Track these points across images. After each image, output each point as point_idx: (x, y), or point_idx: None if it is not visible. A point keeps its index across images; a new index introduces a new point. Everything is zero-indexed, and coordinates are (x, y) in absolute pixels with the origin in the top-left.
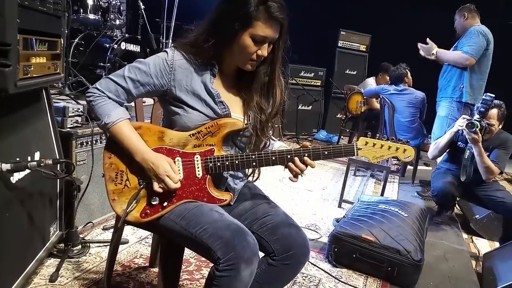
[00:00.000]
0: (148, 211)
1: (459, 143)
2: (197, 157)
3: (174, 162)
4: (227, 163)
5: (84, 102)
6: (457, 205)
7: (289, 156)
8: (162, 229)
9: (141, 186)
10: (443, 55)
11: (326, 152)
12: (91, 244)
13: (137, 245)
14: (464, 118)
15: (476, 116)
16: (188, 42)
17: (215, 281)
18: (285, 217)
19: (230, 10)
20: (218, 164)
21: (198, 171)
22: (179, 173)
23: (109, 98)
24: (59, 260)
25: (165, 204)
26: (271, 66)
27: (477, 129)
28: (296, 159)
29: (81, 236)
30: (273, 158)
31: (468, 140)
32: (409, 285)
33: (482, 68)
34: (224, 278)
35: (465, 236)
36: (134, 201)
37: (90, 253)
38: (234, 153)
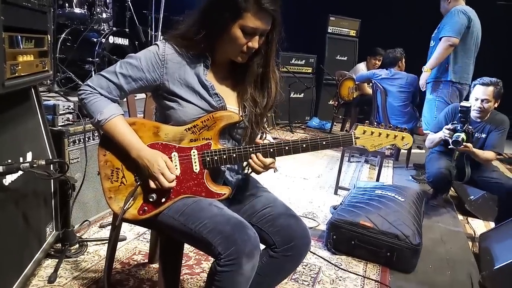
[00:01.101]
0: (145, 208)
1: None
2: (193, 152)
3: (171, 157)
4: (224, 156)
5: (74, 99)
6: (451, 187)
7: (287, 148)
8: (161, 225)
9: (138, 183)
10: (432, 61)
11: (324, 142)
12: (88, 243)
13: (135, 242)
14: (447, 130)
15: (458, 127)
16: (179, 34)
17: (217, 277)
18: (285, 208)
19: (220, 1)
20: (216, 158)
21: (196, 165)
22: (176, 169)
23: (101, 95)
24: (57, 260)
25: (163, 200)
26: (265, 58)
27: (464, 142)
28: (258, 155)
29: (78, 235)
30: (271, 150)
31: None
32: (408, 269)
33: (466, 47)
34: (225, 273)
35: (460, 217)
36: (131, 199)
37: (88, 252)
38: (231, 146)
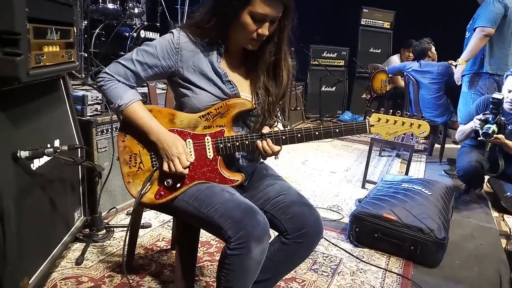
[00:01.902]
0: (162, 192)
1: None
2: (207, 138)
3: (186, 144)
4: (237, 143)
5: None
6: (487, 183)
7: (299, 135)
8: (176, 210)
9: (154, 168)
10: (466, 53)
11: (337, 130)
12: (114, 229)
13: (160, 229)
14: (478, 120)
15: (490, 118)
16: (193, 23)
17: (227, 260)
18: (298, 196)
19: None
20: (229, 145)
21: (209, 152)
22: (191, 155)
23: (119, 81)
24: (85, 244)
25: (178, 185)
26: (277, 46)
27: (495, 134)
28: (269, 141)
29: (105, 221)
30: (283, 137)
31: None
32: (433, 264)
33: (503, 36)
34: (235, 257)
35: (495, 214)
36: (148, 183)
37: (114, 237)
38: (245, 133)
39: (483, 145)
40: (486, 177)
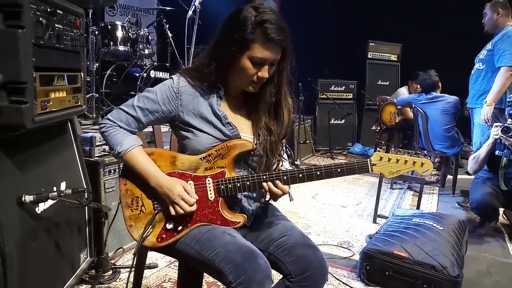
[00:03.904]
0: (164, 235)
1: (497, 151)
2: (208, 180)
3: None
4: (238, 184)
5: None
6: (503, 215)
7: (300, 175)
8: (178, 253)
9: (156, 211)
10: (495, 93)
11: (339, 170)
12: (121, 270)
13: (166, 269)
14: (496, 127)
15: (509, 121)
16: (192, 68)
17: None
18: (302, 238)
19: (228, 34)
20: (230, 186)
21: (210, 194)
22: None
23: (121, 127)
24: (90, 286)
25: (180, 228)
26: (277, 87)
27: None
28: (277, 182)
29: (112, 261)
30: (285, 177)
31: (508, 146)
32: None
33: None
34: None
35: None
36: (150, 226)
37: (120, 278)
38: (247, 174)
39: (496, 172)
40: (502, 209)
